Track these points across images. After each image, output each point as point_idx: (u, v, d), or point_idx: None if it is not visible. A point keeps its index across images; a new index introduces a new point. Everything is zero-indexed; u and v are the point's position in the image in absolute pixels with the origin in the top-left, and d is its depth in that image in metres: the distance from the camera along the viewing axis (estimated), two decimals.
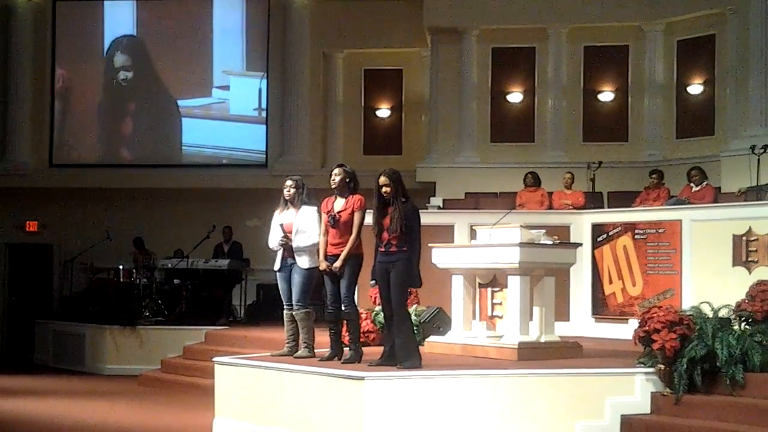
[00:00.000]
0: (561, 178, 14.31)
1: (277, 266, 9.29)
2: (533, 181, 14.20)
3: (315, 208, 9.09)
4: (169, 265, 16.08)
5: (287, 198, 9.24)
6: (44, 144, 19.76)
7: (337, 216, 8.64)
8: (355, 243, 8.58)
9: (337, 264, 8.55)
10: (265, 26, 19.35)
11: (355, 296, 8.78)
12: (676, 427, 7.62)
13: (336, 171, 8.79)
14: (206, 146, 19.45)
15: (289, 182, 9.28)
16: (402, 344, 8.14)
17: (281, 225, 9.19)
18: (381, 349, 8.64)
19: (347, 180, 8.72)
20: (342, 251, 8.58)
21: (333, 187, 8.75)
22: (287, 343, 9.32)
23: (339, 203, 8.70)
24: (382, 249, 8.25)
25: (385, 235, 8.20)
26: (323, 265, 8.68)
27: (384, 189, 8.22)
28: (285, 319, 9.33)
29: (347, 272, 8.56)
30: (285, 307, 9.31)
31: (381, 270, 8.27)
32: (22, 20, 19.62)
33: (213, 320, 14.91)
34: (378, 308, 10.81)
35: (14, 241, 19.46)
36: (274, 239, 9.25)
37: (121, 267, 16.19)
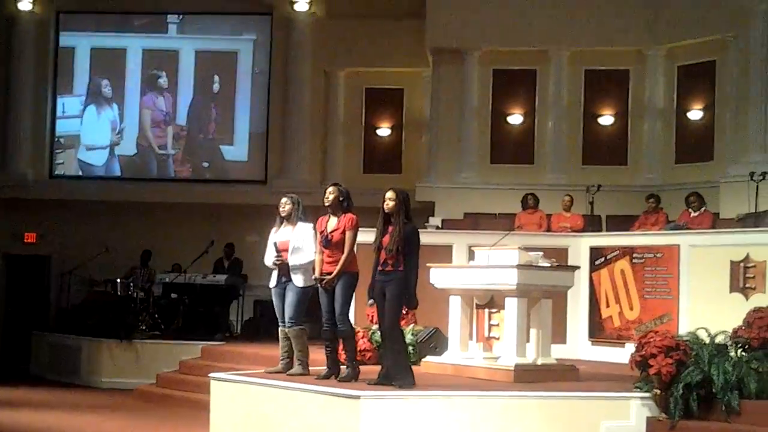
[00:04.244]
0: (560, 200, 14.34)
1: (272, 283, 9.33)
2: (532, 203, 14.23)
3: (311, 225, 9.13)
4: (167, 280, 16.08)
5: (283, 215, 9.28)
6: (44, 155, 19.79)
7: (330, 236, 8.71)
8: (348, 260, 8.63)
9: (327, 279, 8.59)
10: (268, 44, 19.45)
11: (351, 314, 8.81)
12: None
13: (330, 189, 8.86)
14: None
15: (284, 199, 9.34)
16: (394, 364, 8.16)
17: (275, 243, 9.24)
18: (377, 367, 8.65)
19: (340, 199, 8.78)
20: (335, 268, 8.62)
21: (326, 205, 8.82)
22: (281, 359, 9.34)
23: (332, 222, 8.77)
24: (380, 268, 8.29)
25: (383, 254, 8.24)
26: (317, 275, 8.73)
27: (388, 203, 8.27)
28: (279, 336, 9.35)
29: (341, 290, 8.61)
30: (280, 324, 9.33)
31: (378, 289, 8.31)
32: (24, 32, 19.69)
33: (210, 335, 14.88)
34: (375, 327, 10.82)
35: (12, 252, 19.45)
36: (270, 258, 9.29)
37: (118, 280, 16.17)
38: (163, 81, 19.67)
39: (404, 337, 8.57)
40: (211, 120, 19.68)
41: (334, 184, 8.97)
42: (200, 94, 19.70)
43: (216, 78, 19.63)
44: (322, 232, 8.78)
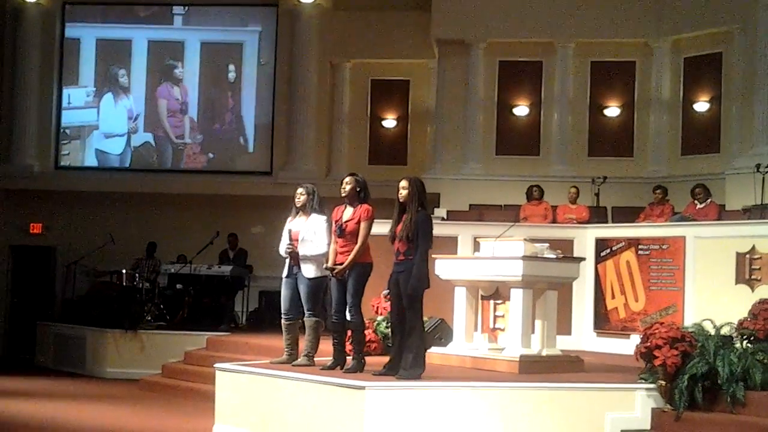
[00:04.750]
0: (565, 191, 14.33)
1: (284, 273, 9.31)
2: (537, 194, 14.21)
3: (324, 217, 9.08)
4: (172, 270, 16.10)
5: (298, 205, 9.23)
6: (50, 147, 19.81)
7: (344, 226, 8.64)
8: (360, 252, 8.57)
9: (339, 269, 8.56)
10: (274, 35, 19.43)
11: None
12: None
13: (347, 180, 8.78)
14: None
15: (300, 189, 9.27)
16: (408, 353, 8.13)
17: (290, 231, 9.20)
18: (382, 359, 8.64)
19: (357, 189, 8.70)
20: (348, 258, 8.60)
21: (343, 195, 8.74)
22: (286, 350, 9.33)
23: (348, 212, 8.71)
24: (395, 258, 8.26)
25: (396, 243, 8.21)
26: (330, 264, 8.70)
27: (401, 191, 8.23)
28: (283, 327, 9.34)
29: (352, 281, 8.56)
30: (283, 315, 9.31)
31: (393, 278, 8.28)
32: (30, 23, 19.70)
33: (215, 326, 14.90)
34: (380, 318, 10.84)
35: (18, 243, 19.48)
36: (283, 246, 9.27)
37: (124, 271, 16.20)
38: (179, 72, 19.67)
39: (423, 330, 8.46)
40: (227, 110, 19.66)
41: (352, 174, 8.88)
42: (212, 85, 19.67)
43: (231, 67, 19.62)
44: (336, 221, 8.74)
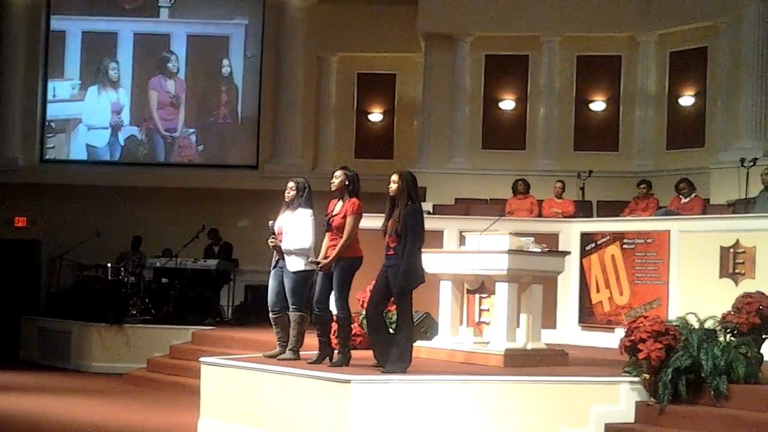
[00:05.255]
0: (551, 186, 14.34)
1: (272, 265, 9.32)
2: (523, 188, 14.23)
3: (310, 211, 9.07)
4: (158, 264, 16.07)
5: (287, 200, 9.22)
6: (35, 140, 19.72)
7: (331, 220, 8.63)
8: (345, 246, 8.54)
9: (324, 263, 8.55)
10: (260, 28, 19.39)
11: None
12: None
13: (336, 173, 8.75)
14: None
15: (290, 184, 9.23)
16: (396, 347, 8.14)
17: (271, 225, 9.21)
18: (368, 353, 8.65)
19: (346, 183, 8.67)
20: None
21: (332, 189, 8.72)
22: (279, 343, 9.31)
23: (337, 207, 8.70)
24: (385, 252, 8.26)
25: (387, 237, 8.21)
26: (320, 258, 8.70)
27: (391, 185, 8.23)
28: (271, 320, 9.33)
29: (338, 275, 8.53)
30: (269, 309, 9.30)
31: (382, 272, 8.28)
32: (15, 15, 19.60)
33: (200, 320, 14.89)
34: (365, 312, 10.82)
35: (2, 237, 19.39)
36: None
37: (109, 265, 16.15)
38: (173, 65, 19.60)
39: (412, 325, 8.45)
40: (221, 104, 19.59)
41: (342, 168, 8.84)
42: (200, 78, 19.59)
43: (225, 62, 19.57)
44: (326, 215, 8.75)
